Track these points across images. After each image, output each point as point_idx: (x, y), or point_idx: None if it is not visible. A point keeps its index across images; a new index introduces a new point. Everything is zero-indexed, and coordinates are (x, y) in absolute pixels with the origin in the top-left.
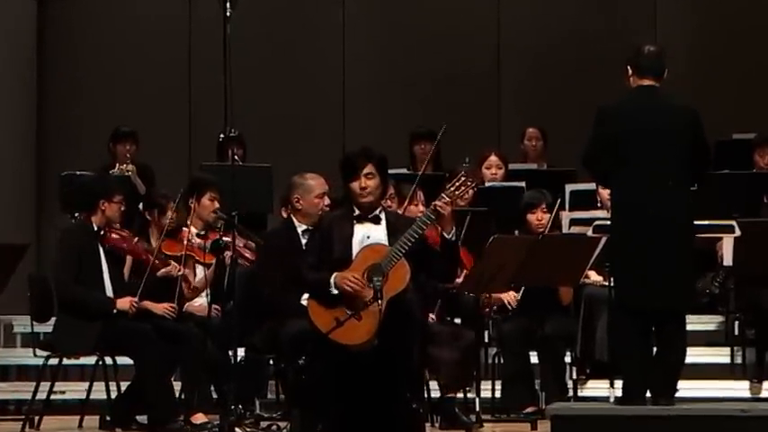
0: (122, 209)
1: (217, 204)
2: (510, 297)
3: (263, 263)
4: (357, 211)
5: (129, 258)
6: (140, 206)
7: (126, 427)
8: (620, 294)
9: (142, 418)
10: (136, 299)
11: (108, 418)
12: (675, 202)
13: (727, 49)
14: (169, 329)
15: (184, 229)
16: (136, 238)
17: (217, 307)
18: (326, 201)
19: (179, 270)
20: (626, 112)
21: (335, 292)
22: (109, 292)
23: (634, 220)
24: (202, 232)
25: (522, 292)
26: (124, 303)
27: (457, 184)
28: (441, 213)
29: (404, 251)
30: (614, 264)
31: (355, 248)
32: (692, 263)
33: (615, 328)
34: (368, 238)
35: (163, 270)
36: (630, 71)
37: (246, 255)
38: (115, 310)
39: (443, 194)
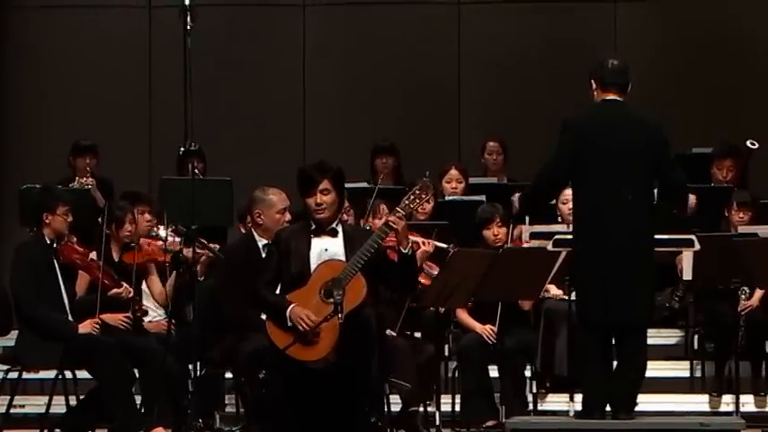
0: (69, 219)
1: (148, 216)
2: (487, 331)
3: (223, 277)
4: (314, 225)
5: (83, 274)
6: (99, 219)
7: None
8: (581, 309)
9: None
10: (97, 319)
11: (57, 431)
12: (636, 216)
13: (687, 63)
14: (129, 343)
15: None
16: (92, 255)
17: (173, 322)
18: (288, 216)
19: (129, 293)
20: (591, 126)
21: (290, 324)
22: (67, 305)
23: (595, 235)
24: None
25: (497, 323)
26: (86, 327)
27: (412, 197)
28: (395, 228)
29: (360, 265)
30: (575, 278)
31: (313, 262)
32: (652, 277)
33: (576, 342)
34: (325, 251)
35: (114, 291)
36: (594, 84)
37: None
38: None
39: (397, 209)
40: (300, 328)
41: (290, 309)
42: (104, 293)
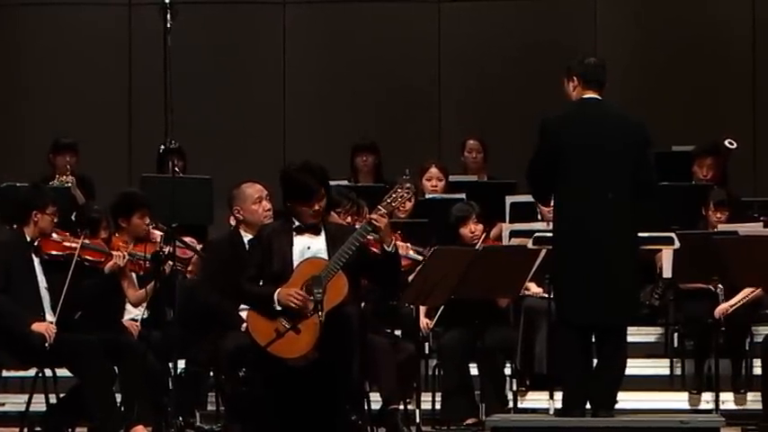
0: (55, 220)
1: (147, 220)
2: (423, 325)
3: (205, 274)
4: (297, 223)
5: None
6: (72, 217)
7: None
8: (563, 309)
9: (81, 430)
10: (54, 325)
11: (38, 429)
12: (617, 215)
13: (667, 62)
14: (109, 341)
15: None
16: (69, 241)
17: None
18: (267, 205)
19: (124, 258)
20: (571, 125)
21: (279, 308)
22: (46, 303)
23: (576, 234)
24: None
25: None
26: (40, 327)
27: (393, 195)
28: (377, 226)
29: (342, 263)
30: (556, 278)
31: (295, 260)
32: (634, 277)
33: (557, 340)
34: (308, 248)
35: (109, 265)
36: (576, 81)
37: (189, 256)
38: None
39: (379, 206)
40: (293, 305)
41: (276, 293)
42: (99, 270)
